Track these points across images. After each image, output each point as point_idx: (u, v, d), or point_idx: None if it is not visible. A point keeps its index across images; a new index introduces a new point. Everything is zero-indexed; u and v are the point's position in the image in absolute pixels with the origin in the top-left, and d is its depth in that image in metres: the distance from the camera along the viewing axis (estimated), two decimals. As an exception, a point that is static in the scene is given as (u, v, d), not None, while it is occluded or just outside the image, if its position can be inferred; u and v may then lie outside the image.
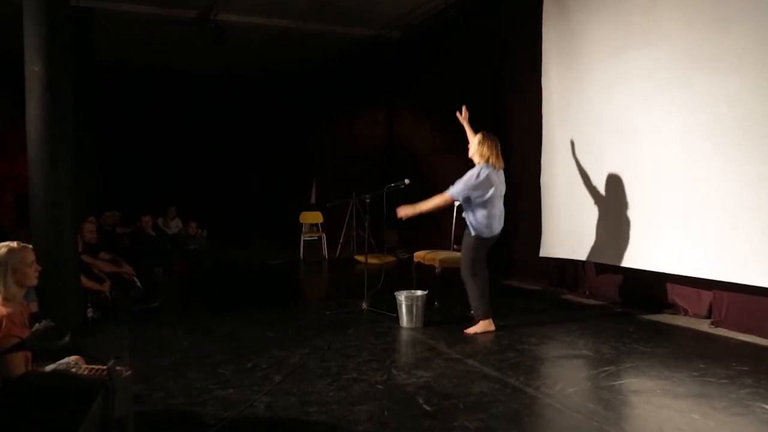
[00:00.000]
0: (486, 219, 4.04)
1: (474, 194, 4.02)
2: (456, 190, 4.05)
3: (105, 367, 2.11)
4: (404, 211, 4.18)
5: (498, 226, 4.12)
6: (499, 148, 4.13)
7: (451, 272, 4.82)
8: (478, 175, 4.00)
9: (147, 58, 9.67)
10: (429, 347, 3.85)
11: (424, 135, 8.45)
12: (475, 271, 4.09)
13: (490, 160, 4.08)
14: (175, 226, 8.59)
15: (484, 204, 4.02)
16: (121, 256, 5.66)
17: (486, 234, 4.07)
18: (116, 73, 9.67)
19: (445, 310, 4.96)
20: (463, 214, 4.17)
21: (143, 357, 3.60)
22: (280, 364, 3.47)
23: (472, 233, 4.08)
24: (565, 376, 3.35)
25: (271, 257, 8.77)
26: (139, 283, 5.34)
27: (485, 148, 4.08)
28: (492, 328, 4.11)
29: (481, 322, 4.10)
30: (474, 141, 4.16)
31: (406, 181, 4.85)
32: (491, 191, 4.02)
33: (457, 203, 4.35)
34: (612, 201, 4.85)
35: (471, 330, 4.08)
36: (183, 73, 10.51)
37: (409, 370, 3.34)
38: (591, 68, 5.09)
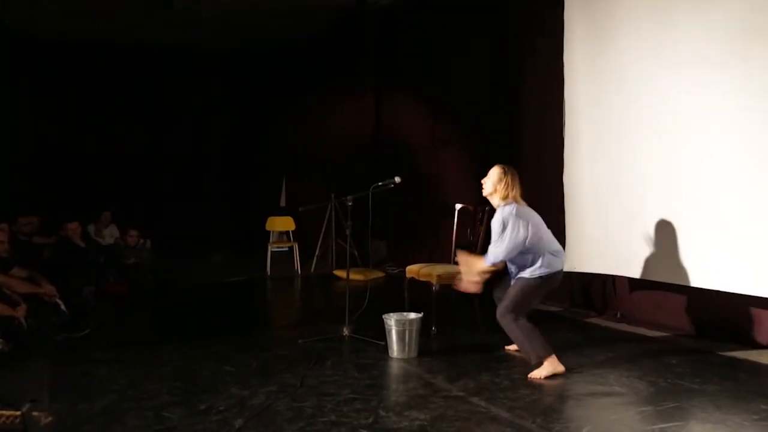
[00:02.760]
0: (541, 259, 4.04)
1: (528, 235, 4.02)
2: (499, 252, 4.02)
3: (18, 413, 2.06)
4: (467, 281, 4.17)
5: (557, 260, 4.10)
6: (518, 179, 4.18)
7: (450, 290, 4.81)
8: (514, 227, 3.99)
9: (74, 25, 9.55)
10: (425, 382, 3.83)
11: (420, 124, 8.46)
12: (518, 314, 4.03)
13: (511, 196, 4.10)
14: (109, 235, 8.51)
15: (535, 244, 4.03)
16: (41, 272, 5.58)
17: (546, 272, 4.05)
18: (34, 43, 9.58)
19: (444, 337, 4.95)
20: (518, 265, 4.13)
21: (68, 400, 3.54)
22: (241, 405, 3.45)
23: (530, 276, 4.06)
24: (593, 418, 3.34)
25: (231, 273, 8.73)
26: (63, 306, 5.28)
27: (505, 186, 4.11)
28: (561, 368, 3.96)
29: (545, 363, 3.97)
30: (492, 176, 4.16)
31: (397, 179, 4.86)
32: (528, 229, 4.02)
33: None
34: (651, 204, 4.87)
35: (536, 374, 3.94)
36: (121, 46, 10.42)
37: (400, 411, 3.32)
38: (625, 40, 5.11)
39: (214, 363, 4.30)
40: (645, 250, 4.90)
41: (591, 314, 5.74)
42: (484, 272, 4.13)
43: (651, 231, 4.85)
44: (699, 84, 4.54)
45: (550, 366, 3.94)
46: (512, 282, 4.17)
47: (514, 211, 4.03)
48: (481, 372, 4.02)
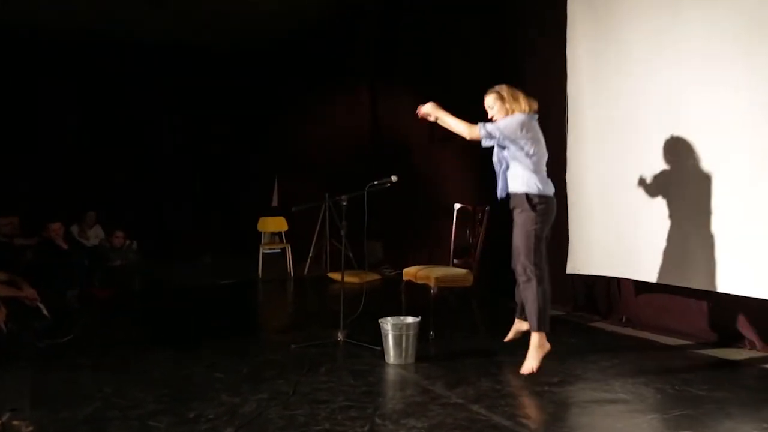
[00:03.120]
0: (539, 177, 4.02)
1: (514, 144, 3.99)
2: (489, 129, 4.03)
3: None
4: (425, 109, 4.27)
5: (552, 191, 4.10)
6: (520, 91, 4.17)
7: (449, 293, 4.80)
8: (519, 122, 3.99)
9: (62, 22, 9.54)
10: (422, 389, 3.81)
11: (417, 121, 8.42)
12: (541, 263, 3.99)
13: (524, 108, 4.09)
14: (94, 236, 8.50)
15: (530, 157, 4.00)
16: (22, 275, 5.55)
17: (549, 192, 4.03)
18: (14, 35, 9.53)
19: (443, 342, 4.93)
20: (503, 183, 4.10)
21: (50, 408, 3.51)
22: (231, 413, 3.42)
23: (532, 201, 3.99)
24: (597, 426, 3.32)
25: (221, 275, 8.71)
26: (45, 311, 5.26)
27: (508, 100, 4.11)
28: (548, 346, 4.06)
29: (537, 335, 4.01)
30: (491, 103, 4.16)
31: (393, 178, 4.85)
32: (539, 146, 4.04)
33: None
34: (658, 204, 4.85)
35: (527, 368, 3.98)
36: (109, 41, 10.39)
37: (397, 419, 3.30)
38: (629, 36, 5.10)
39: (204, 369, 4.28)
40: (651, 251, 4.89)
41: (595, 318, 5.73)
42: (439, 116, 4.23)
43: (657, 232, 4.84)
44: (705, 81, 4.51)
45: (539, 350, 4.01)
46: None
47: (520, 114, 4.05)
48: (481, 378, 4.00)
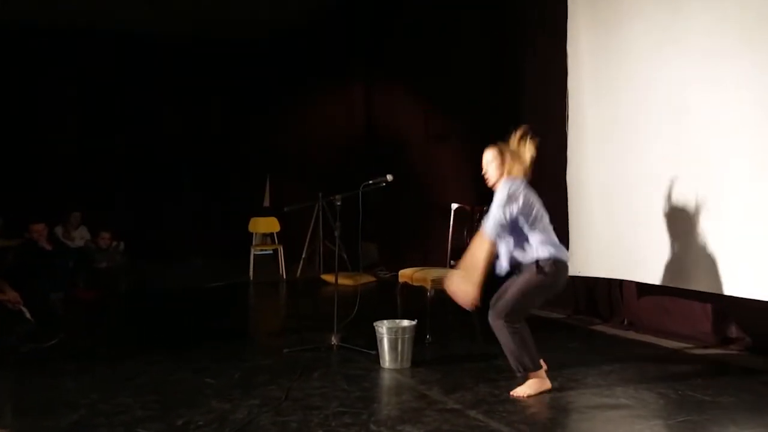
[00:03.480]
0: (551, 244, 3.82)
1: (513, 214, 3.78)
2: (489, 223, 3.81)
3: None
4: (461, 290, 3.79)
5: (562, 252, 3.87)
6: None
7: (446, 296, 4.79)
8: (509, 190, 3.79)
9: (38, 12, 9.48)
10: (419, 394, 3.82)
11: (413, 117, 8.46)
12: (516, 318, 3.78)
13: (517, 172, 3.90)
14: (79, 237, 8.47)
15: (535, 225, 3.82)
16: (4, 278, 5.53)
17: (559, 256, 3.80)
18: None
19: (440, 346, 4.94)
20: (514, 254, 3.88)
21: (33, 415, 3.51)
22: (221, 420, 3.41)
23: (540, 266, 3.77)
24: (600, 432, 3.32)
25: (211, 278, 8.69)
26: (29, 315, 5.23)
27: (507, 159, 3.92)
28: (548, 385, 3.82)
29: (531, 378, 3.79)
30: (490, 159, 3.95)
31: (389, 177, 4.85)
32: (537, 208, 3.85)
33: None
34: (661, 204, 4.86)
35: (520, 391, 3.77)
36: (94, 34, 10.36)
37: (392, 426, 3.30)
38: (632, 31, 5.10)
39: (193, 374, 4.27)
40: (654, 253, 4.90)
41: (596, 321, 5.74)
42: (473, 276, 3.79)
43: (660, 233, 4.85)
44: (709, 78, 4.52)
45: (537, 383, 3.79)
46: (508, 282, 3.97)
47: (511, 181, 3.84)
48: (479, 383, 4.00)
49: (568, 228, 5.73)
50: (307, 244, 9.03)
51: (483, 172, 4.01)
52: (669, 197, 4.79)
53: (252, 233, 9.23)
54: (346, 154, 9.40)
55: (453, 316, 5.51)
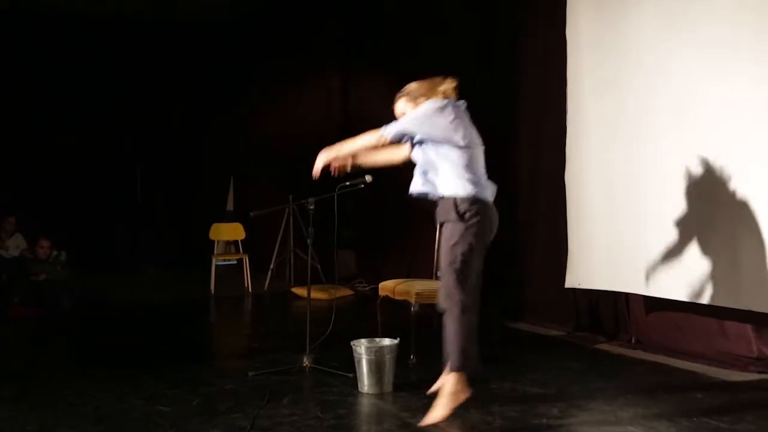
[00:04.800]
0: (471, 176, 3.71)
1: (428, 134, 3.78)
2: (395, 126, 3.88)
3: None
4: (323, 161, 4.16)
5: (491, 195, 3.78)
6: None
7: (432, 311, 4.79)
8: (434, 107, 3.80)
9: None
10: (401, 422, 3.81)
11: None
12: (465, 282, 3.68)
13: (437, 95, 3.91)
14: (14, 246, 8.38)
15: (458, 154, 3.72)
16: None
17: (481, 195, 3.68)
18: None
19: (426, 367, 4.85)
20: (424, 183, 3.85)
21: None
22: (176, 453, 3.38)
23: (459, 208, 3.66)
24: (605, 463, 3.33)
25: (166, 291, 8.64)
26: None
27: (425, 90, 3.96)
28: (467, 393, 3.71)
29: (455, 376, 3.69)
30: (398, 105, 4.07)
31: (368, 178, 4.82)
32: (462, 134, 3.77)
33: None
34: (671, 208, 4.90)
35: (435, 416, 3.67)
36: (32, 15, 10.26)
37: (373, 460, 3.27)
38: (639, 17, 5.14)
39: (145, 401, 4.22)
40: (664, 263, 4.93)
41: (600, 339, 5.75)
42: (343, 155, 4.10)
43: (671, 240, 4.88)
44: (725, 71, 4.57)
45: (459, 393, 3.66)
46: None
47: (431, 101, 3.86)
48: (470, 409, 3.96)
49: (566, 234, 5.77)
50: (275, 253, 9.00)
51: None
52: (682, 201, 4.83)
53: (213, 241, 9.17)
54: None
55: (440, 334, 5.50)
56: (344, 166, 4.18)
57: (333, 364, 4.78)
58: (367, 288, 8.34)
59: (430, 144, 3.83)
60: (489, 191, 3.81)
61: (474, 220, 3.67)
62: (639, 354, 5.33)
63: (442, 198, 3.79)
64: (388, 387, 4.34)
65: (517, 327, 6.32)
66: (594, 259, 5.56)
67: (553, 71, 5.88)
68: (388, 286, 5.27)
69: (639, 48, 5.15)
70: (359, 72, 9.27)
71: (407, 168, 8.24)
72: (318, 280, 8.04)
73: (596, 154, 5.52)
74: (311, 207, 4.93)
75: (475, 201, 3.69)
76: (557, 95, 5.83)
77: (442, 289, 3.76)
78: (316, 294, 7.13)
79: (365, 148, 4.05)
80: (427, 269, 5.62)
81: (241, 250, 9.17)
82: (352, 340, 4.44)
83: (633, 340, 5.53)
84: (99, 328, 6.88)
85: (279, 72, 10.37)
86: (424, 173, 3.86)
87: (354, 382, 4.43)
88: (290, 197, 6.70)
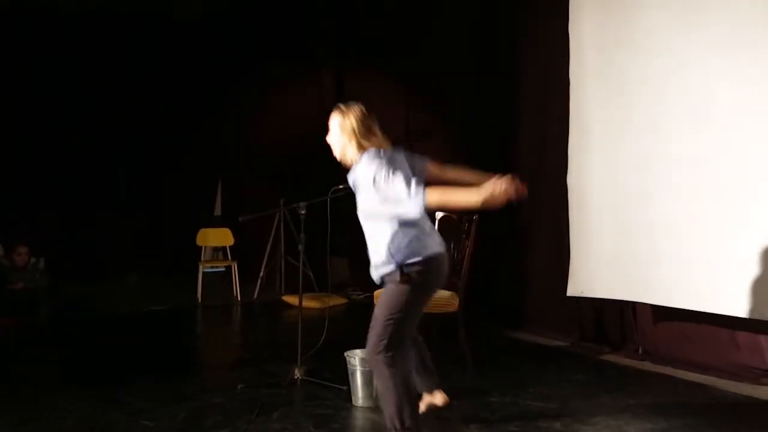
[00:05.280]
0: (419, 239, 3.48)
1: (369, 193, 3.49)
2: (406, 188, 3.33)
3: None
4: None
5: (440, 249, 3.56)
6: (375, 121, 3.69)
7: (430, 321, 4.79)
8: (381, 163, 3.43)
9: None
10: (399, 439, 3.79)
11: (392, 111, 8.45)
12: (394, 344, 3.44)
13: (374, 143, 3.61)
14: (-10, 252, 8.33)
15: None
16: None
17: (425, 256, 3.43)
18: None
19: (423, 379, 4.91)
20: (373, 249, 3.64)
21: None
22: (161, 470, 3.36)
23: (404, 273, 3.43)
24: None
25: (151, 300, 8.61)
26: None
27: (361, 131, 3.60)
28: None
29: None
30: (334, 128, 3.70)
31: (363, 180, 4.82)
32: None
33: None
34: (680, 212, 4.91)
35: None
36: (11, 7, 10.24)
37: (368, 477, 3.27)
38: (649, 13, 5.13)
39: (128, 416, 4.22)
40: (672, 270, 4.94)
41: (605, 350, 5.76)
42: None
43: (680, 247, 4.89)
44: (739, 71, 4.58)
45: None
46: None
47: (375, 153, 3.52)
48: (470, 424, 3.99)
49: (569, 239, 5.77)
50: (265, 260, 8.98)
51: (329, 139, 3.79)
52: (691, 204, 4.83)
53: (200, 247, 9.15)
54: (313, 154, 9.36)
55: (438, 344, 5.50)
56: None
57: (326, 376, 4.79)
58: (361, 296, 8.34)
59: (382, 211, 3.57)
60: (434, 243, 3.57)
61: (420, 277, 3.47)
62: (646, 365, 5.33)
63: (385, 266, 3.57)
64: (384, 400, 4.34)
65: (517, 336, 6.31)
66: (598, 265, 5.56)
67: (554, 70, 5.89)
68: (383, 295, 5.26)
69: (646, 47, 5.14)
70: (353, 70, 9.27)
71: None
72: (310, 288, 8.03)
73: (601, 158, 5.53)
74: (303, 212, 4.93)
75: (425, 260, 3.47)
76: (559, 95, 5.84)
77: (373, 338, 3.50)
78: (308, 303, 7.11)
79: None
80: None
81: (229, 257, 9.14)
82: (346, 350, 4.45)
83: (640, 351, 5.53)
84: (79, 339, 6.85)
85: (268, 69, 10.36)
86: (379, 246, 3.62)
87: (348, 395, 4.43)
88: (281, 201, 6.66)
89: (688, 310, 4.91)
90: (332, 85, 9.56)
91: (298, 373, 4.86)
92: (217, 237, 9.19)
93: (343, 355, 4.45)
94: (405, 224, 3.47)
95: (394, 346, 3.43)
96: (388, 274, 3.50)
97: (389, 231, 3.49)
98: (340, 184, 4.86)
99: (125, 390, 4.77)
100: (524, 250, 6.47)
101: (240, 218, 5.84)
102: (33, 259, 8.35)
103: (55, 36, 10.66)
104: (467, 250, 5.15)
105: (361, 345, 4.54)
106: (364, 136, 3.61)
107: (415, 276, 3.43)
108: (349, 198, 5.00)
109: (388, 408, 3.44)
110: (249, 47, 10.68)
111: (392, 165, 3.44)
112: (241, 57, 10.85)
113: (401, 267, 3.43)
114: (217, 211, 11.12)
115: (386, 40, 8.45)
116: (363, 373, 4.32)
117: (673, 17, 4.96)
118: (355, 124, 3.62)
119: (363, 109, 3.68)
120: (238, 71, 10.90)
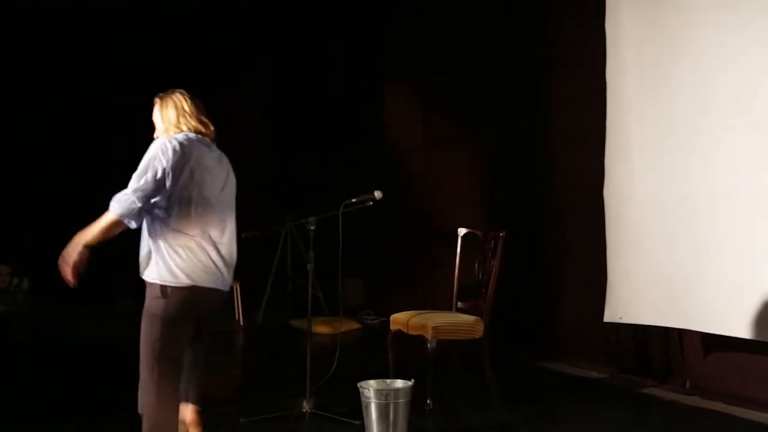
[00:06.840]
0: (187, 252, 3.65)
1: (156, 195, 3.67)
2: (120, 197, 3.73)
3: None
4: (65, 266, 3.78)
5: (218, 269, 3.79)
6: (198, 105, 3.95)
7: (452, 348, 4.80)
8: (156, 155, 3.71)
9: None
10: (417, 480, 3.78)
11: (411, 118, 8.48)
12: (164, 384, 3.64)
13: (183, 125, 3.86)
14: (-32, 273, 8.40)
15: (182, 216, 3.63)
16: None
17: (183, 281, 3.62)
18: None
19: (444, 414, 4.93)
20: (145, 253, 3.80)
21: None
22: None
23: (158, 289, 3.66)
24: None
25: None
26: None
27: (168, 109, 3.93)
28: None
29: None
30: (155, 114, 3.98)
31: (377, 194, 4.84)
32: (193, 186, 3.69)
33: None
34: (736, 228, 4.86)
35: None
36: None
37: None
38: (695, 6, 5.12)
39: (119, 452, 4.19)
40: (725, 294, 4.90)
41: (648, 383, 5.74)
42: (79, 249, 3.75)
43: (733, 267, 4.85)
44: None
45: None
46: None
47: (167, 140, 3.76)
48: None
49: (605, 259, 5.73)
50: (271, 280, 8.99)
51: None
52: (742, 220, 4.80)
53: (199, 267, 9.18)
54: (322, 164, 9.40)
55: (461, 375, 5.48)
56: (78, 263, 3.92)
57: (337, 409, 4.78)
58: (376, 321, 8.33)
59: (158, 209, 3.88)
60: (219, 273, 3.88)
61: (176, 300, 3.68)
62: (695, 401, 5.29)
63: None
64: (401, 437, 4.32)
65: (548, 367, 6.30)
66: (639, 288, 5.52)
67: (589, 72, 5.89)
68: (400, 319, 5.27)
69: (692, 43, 5.13)
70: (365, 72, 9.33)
71: (420, 186, 8.26)
72: (320, 312, 8.02)
73: (641, 167, 5.51)
74: (312, 227, 4.93)
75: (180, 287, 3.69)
76: (594, 100, 5.83)
77: (143, 376, 3.71)
78: (318, 328, 7.12)
79: (102, 231, 4.03)
80: (445, 299, 5.61)
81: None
82: (360, 381, 4.43)
83: (687, 385, 5.49)
84: (65, 367, 6.87)
85: (270, 67, 10.44)
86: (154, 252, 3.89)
87: (361, 430, 4.42)
88: (288, 215, 6.65)
89: (742, 339, 4.85)
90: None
91: (306, 406, 4.85)
92: (217, 255, 9.21)
93: (356, 386, 4.42)
94: None
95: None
96: None
97: None
98: (353, 198, 4.89)
99: (116, 423, 4.76)
100: (556, 270, 6.45)
101: (243, 234, 5.85)
102: (15, 280, 8.42)
103: (51, 40, 10.79)
104: (493, 270, 5.15)
105: (376, 375, 4.56)
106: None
107: None
108: (362, 213, 5.02)
109: None
110: (253, 46, 10.75)
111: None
112: (238, 55, 10.92)
113: None
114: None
115: (402, 39, 8.48)
116: (378, 407, 4.29)
117: (722, 14, 4.95)
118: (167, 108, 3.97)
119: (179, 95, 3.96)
120: (236, 70, 10.96)
